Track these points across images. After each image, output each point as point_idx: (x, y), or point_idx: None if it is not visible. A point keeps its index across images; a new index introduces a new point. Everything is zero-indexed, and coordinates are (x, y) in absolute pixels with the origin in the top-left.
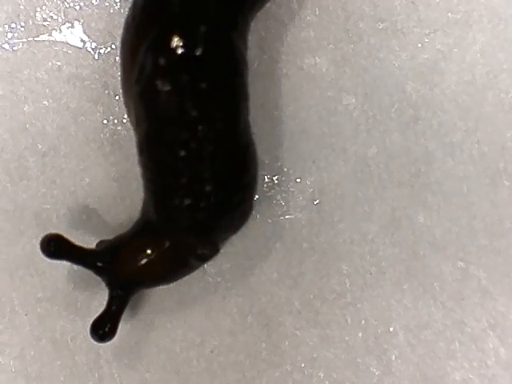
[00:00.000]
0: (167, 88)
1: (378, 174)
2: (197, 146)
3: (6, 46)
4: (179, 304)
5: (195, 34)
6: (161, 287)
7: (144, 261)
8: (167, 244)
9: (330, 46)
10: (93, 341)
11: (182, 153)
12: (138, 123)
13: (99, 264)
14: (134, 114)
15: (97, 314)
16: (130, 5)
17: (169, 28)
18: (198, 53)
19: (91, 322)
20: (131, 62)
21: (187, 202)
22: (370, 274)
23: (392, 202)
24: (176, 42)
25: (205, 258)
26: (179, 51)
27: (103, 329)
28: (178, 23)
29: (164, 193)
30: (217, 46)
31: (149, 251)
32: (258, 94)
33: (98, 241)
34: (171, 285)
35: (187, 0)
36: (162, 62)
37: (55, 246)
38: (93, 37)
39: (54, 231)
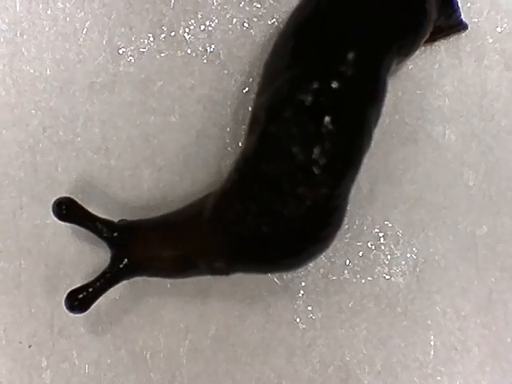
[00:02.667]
0: (290, 120)
1: (483, 254)
2: (291, 183)
3: (145, 54)
4: (263, 341)
5: (326, 87)
6: (247, 322)
7: (158, 252)
8: (187, 245)
9: (462, 118)
10: (60, 307)
11: (276, 180)
12: (250, 131)
13: (115, 235)
14: (251, 122)
15: (79, 284)
16: (274, 37)
17: (307, 73)
18: (324, 104)
19: (71, 289)
20: (271, 80)
21: (254, 218)
22: (456, 349)
23: (491, 284)
24: (310, 87)
25: (216, 272)
26: (309, 98)
27: (80, 300)
28: (313, 72)
29: (239, 196)
30: (345, 105)
31: (167, 245)
32: (383, 151)
33: None
34: (259, 322)
35: (327, 51)
36: (294, 98)
37: (67, 209)
38: (232, 63)
39: None
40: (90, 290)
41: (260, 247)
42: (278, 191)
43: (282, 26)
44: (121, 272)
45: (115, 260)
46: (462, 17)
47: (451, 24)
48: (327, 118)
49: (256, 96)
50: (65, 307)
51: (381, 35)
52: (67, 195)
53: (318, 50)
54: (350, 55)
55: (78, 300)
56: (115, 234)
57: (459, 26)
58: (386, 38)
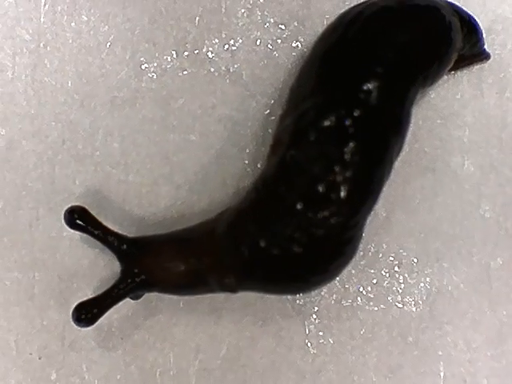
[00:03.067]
0: (313, 146)
1: (496, 287)
2: (307, 209)
3: (168, 71)
4: (274, 364)
5: (350, 116)
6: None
7: (169, 267)
8: (199, 260)
9: (481, 150)
10: (71, 321)
11: (293, 204)
12: (272, 153)
13: (124, 248)
14: (273, 144)
15: (88, 297)
16: (298, 60)
17: (331, 100)
18: (347, 133)
19: (79, 301)
20: (295, 104)
21: (266, 239)
22: (465, 381)
23: (503, 317)
24: (334, 115)
25: (225, 289)
26: (333, 126)
27: (87, 313)
28: (338, 100)
29: (254, 216)
30: (368, 135)
31: (179, 260)
32: (401, 179)
33: None
34: (271, 345)
35: (352, 79)
36: (318, 124)
37: (79, 218)
38: (254, 84)
39: None
40: (99, 304)
41: (270, 269)
42: (293, 216)
43: (305, 49)
44: (130, 287)
45: (125, 274)
46: (486, 47)
47: (474, 53)
48: (350, 147)
49: (280, 119)
50: (71, 319)
51: (407, 66)
52: (80, 204)
53: (343, 78)
54: (376, 85)
55: (86, 313)
56: (125, 247)
57: (482, 56)
58: (411, 69)
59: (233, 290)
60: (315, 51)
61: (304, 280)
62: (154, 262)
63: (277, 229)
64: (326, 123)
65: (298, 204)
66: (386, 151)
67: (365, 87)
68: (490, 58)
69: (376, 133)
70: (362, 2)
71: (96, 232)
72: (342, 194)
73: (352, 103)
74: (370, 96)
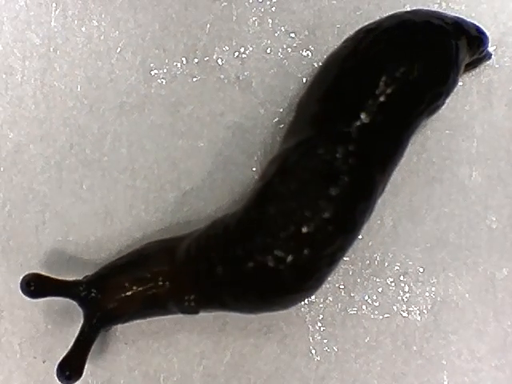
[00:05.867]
0: (301, 178)
1: (501, 297)
2: (277, 243)
3: (177, 77)
4: (277, 372)
5: (345, 152)
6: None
7: (128, 300)
8: (157, 286)
9: (489, 161)
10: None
11: (262, 236)
12: (263, 176)
13: (83, 294)
14: (265, 168)
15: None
16: (307, 69)
17: (331, 135)
18: (338, 169)
19: (58, 362)
20: (301, 126)
21: (226, 269)
22: None
23: (507, 328)
24: (330, 149)
25: (185, 311)
26: (320, 160)
27: (71, 369)
28: (338, 135)
29: (226, 238)
30: (357, 173)
31: (136, 290)
32: (408, 189)
33: None
34: (275, 352)
35: (353, 114)
36: (312, 157)
37: (35, 285)
38: (264, 92)
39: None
40: (75, 355)
41: (230, 294)
42: (258, 250)
43: (315, 58)
44: (96, 328)
45: (88, 318)
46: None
47: (478, 57)
48: (334, 186)
49: (286, 133)
50: (60, 381)
51: (412, 104)
52: (32, 272)
53: (344, 111)
54: (374, 122)
55: (70, 370)
56: (84, 293)
57: (485, 59)
58: (419, 106)
59: (194, 312)
60: (328, 72)
61: (259, 306)
62: (113, 300)
63: (240, 256)
64: (316, 157)
65: (267, 238)
66: (370, 195)
67: (362, 123)
68: (491, 57)
69: (364, 174)
70: (377, 25)
71: (56, 291)
72: (314, 232)
73: (346, 139)
74: (365, 133)
